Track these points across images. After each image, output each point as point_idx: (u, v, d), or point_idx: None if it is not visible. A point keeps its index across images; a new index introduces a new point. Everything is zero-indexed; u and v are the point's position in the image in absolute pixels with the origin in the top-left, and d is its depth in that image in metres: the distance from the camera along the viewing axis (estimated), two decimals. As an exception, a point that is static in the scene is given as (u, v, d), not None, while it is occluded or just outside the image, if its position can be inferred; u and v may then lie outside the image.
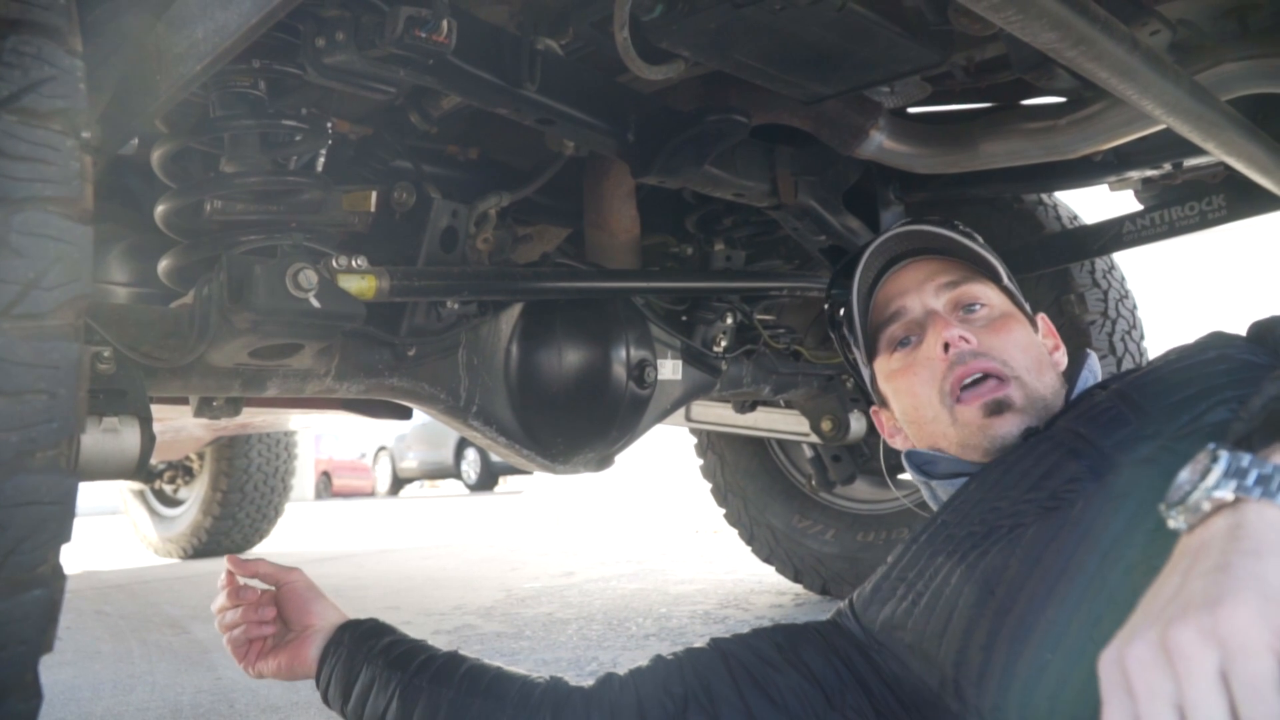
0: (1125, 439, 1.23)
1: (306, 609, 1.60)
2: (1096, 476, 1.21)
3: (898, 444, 1.61)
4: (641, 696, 1.37)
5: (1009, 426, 1.38)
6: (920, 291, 1.52)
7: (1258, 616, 0.73)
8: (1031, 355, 1.44)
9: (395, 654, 1.49)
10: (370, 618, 1.59)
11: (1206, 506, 0.85)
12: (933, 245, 1.56)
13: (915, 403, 1.49)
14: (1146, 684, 0.76)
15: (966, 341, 1.42)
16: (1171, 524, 0.89)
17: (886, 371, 1.55)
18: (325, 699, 1.54)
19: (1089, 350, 1.51)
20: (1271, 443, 0.88)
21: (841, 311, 1.64)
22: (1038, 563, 1.17)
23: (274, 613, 1.61)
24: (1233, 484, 0.84)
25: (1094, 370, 1.48)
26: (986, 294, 1.50)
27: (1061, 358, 1.54)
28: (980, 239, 1.58)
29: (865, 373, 1.62)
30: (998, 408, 1.39)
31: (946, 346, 1.43)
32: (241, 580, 1.61)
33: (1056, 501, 1.22)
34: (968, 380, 1.41)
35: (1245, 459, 0.85)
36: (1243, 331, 1.37)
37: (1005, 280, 1.54)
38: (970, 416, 1.40)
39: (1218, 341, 1.34)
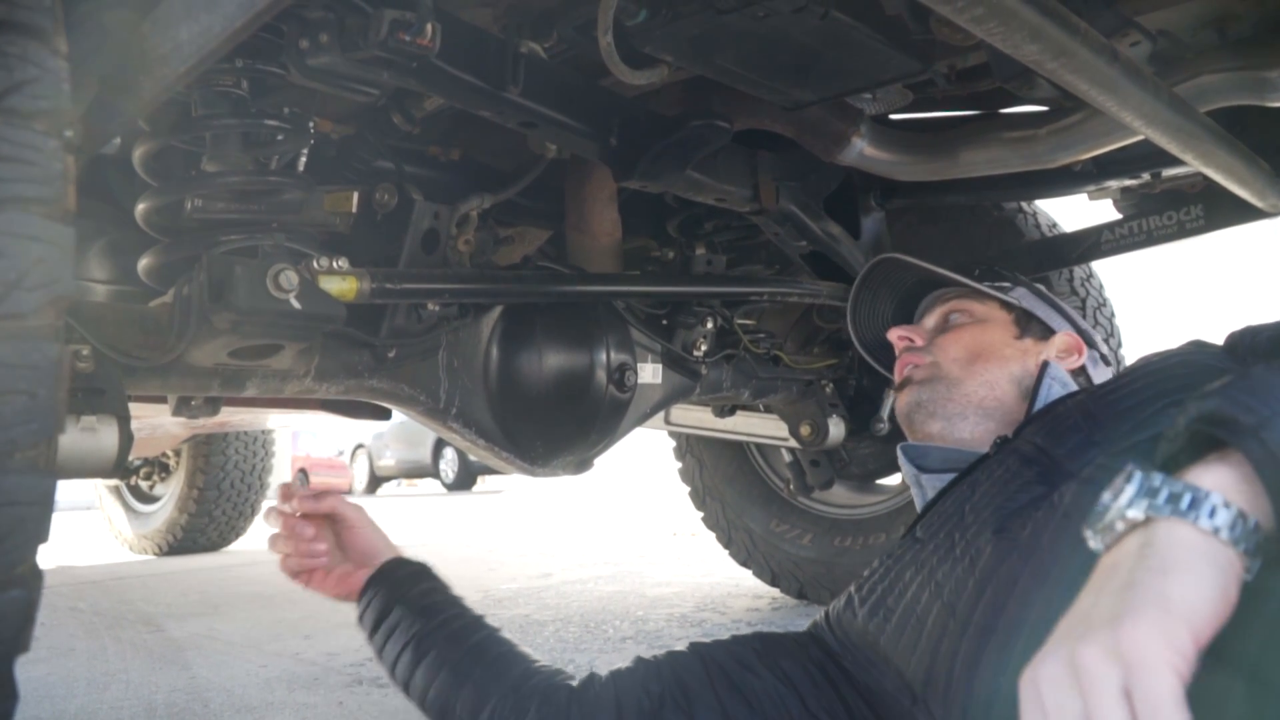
0: (1075, 447, 1.26)
1: (363, 544, 1.67)
2: (1046, 483, 1.24)
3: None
4: (620, 694, 1.40)
5: (903, 399, 1.58)
6: (933, 312, 1.70)
7: (1157, 632, 0.75)
8: (970, 349, 1.57)
9: (426, 603, 1.57)
10: (420, 561, 1.66)
11: (1120, 526, 0.87)
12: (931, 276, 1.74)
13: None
14: (1056, 702, 0.77)
15: (910, 341, 1.63)
16: (1091, 544, 0.90)
17: None
18: (360, 622, 1.63)
19: (1048, 361, 1.54)
20: (1195, 463, 0.88)
21: None
22: (989, 585, 1.19)
23: (326, 545, 1.67)
24: (1144, 503, 0.85)
25: (1057, 378, 1.51)
26: (973, 308, 1.64)
27: (1070, 362, 1.60)
28: (1009, 275, 1.75)
29: None
30: (903, 384, 1.59)
31: (897, 343, 1.66)
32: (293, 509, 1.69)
33: (1009, 506, 1.25)
34: (903, 370, 1.61)
35: (1157, 478, 0.86)
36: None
37: (1004, 297, 1.65)
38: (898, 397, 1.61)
39: (1190, 348, 1.36)
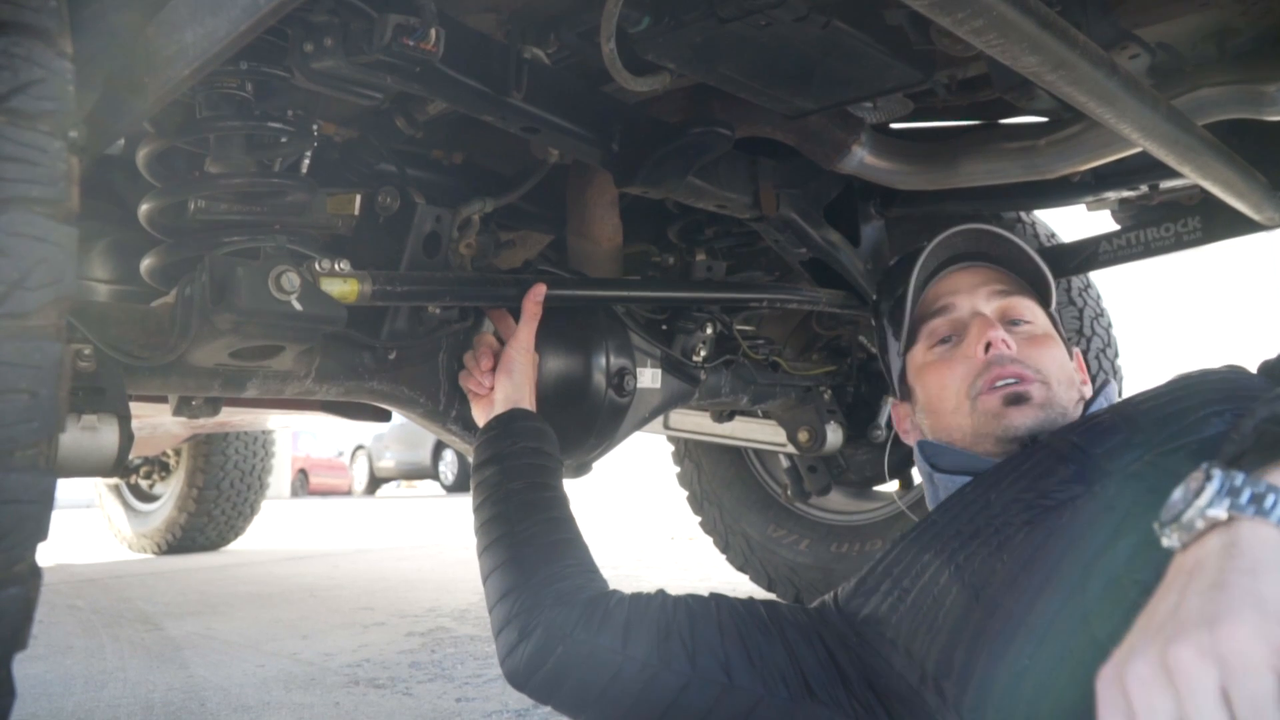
0: (1114, 447, 1.26)
1: (500, 377, 1.84)
2: (1084, 482, 1.24)
3: (910, 440, 1.67)
4: (630, 619, 1.43)
5: (1023, 418, 1.45)
6: (972, 294, 1.59)
7: (1256, 634, 0.74)
8: (1064, 373, 1.51)
9: (520, 462, 1.69)
10: (540, 424, 1.79)
11: (1200, 525, 0.86)
12: (994, 253, 1.62)
13: (942, 394, 1.55)
14: (1147, 702, 0.76)
15: (1008, 346, 1.49)
16: (1165, 542, 0.90)
17: (920, 363, 1.62)
18: (473, 451, 1.79)
19: (1110, 380, 1.56)
20: (1265, 464, 0.89)
21: (885, 301, 1.72)
22: (1023, 569, 1.20)
23: (491, 383, 1.86)
24: (1227, 502, 0.85)
25: (1110, 398, 1.54)
26: (1033, 311, 1.59)
27: (1086, 391, 1.59)
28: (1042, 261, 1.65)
29: (896, 364, 1.68)
30: (1017, 399, 1.46)
31: (988, 346, 1.50)
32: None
33: (1045, 502, 1.25)
34: (1000, 383, 1.47)
35: (1239, 477, 0.86)
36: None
37: (1052, 306, 1.61)
38: (990, 405, 1.47)
39: (1227, 370, 1.37)
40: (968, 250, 1.64)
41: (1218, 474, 0.87)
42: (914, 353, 1.63)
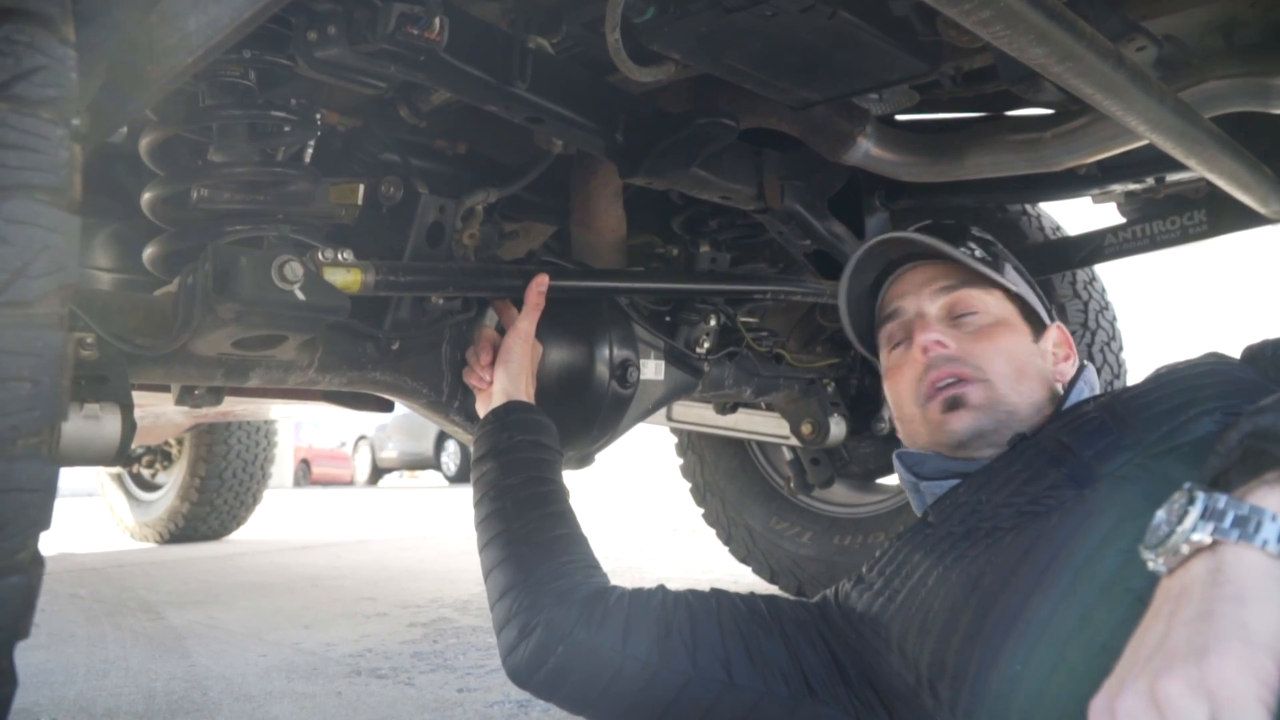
0: (1105, 449, 1.25)
1: (498, 369, 1.85)
2: (1075, 485, 1.23)
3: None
4: (631, 617, 1.43)
5: (961, 423, 1.44)
6: (918, 294, 1.57)
7: (1245, 666, 0.74)
8: (1014, 364, 1.48)
9: (516, 456, 1.69)
10: (538, 417, 1.79)
11: (1185, 549, 0.85)
12: (938, 249, 1.58)
13: (899, 401, 1.56)
14: None
15: (943, 346, 1.48)
16: (1151, 565, 0.89)
17: (884, 368, 1.62)
18: (473, 442, 1.80)
19: (1086, 363, 1.54)
20: (1248, 480, 0.87)
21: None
22: (1013, 572, 1.19)
23: (490, 377, 1.88)
24: (1210, 526, 0.83)
25: (1090, 383, 1.51)
26: (983, 301, 1.54)
27: (1069, 368, 1.57)
28: (996, 246, 1.62)
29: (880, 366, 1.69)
30: (953, 404, 1.45)
31: (925, 350, 1.49)
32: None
33: (1035, 507, 1.25)
34: (940, 384, 1.47)
35: (1221, 500, 0.84)
36: (1237, 353, 1.40)
37: (1013, 287, 1.56)
38: (933, 414, 1.47)
39: (1210, 358, 1.36)
40: (910, 253, 1.62)
41: (1200, 496, 0.86)
42: (881, 358, 1.65)
